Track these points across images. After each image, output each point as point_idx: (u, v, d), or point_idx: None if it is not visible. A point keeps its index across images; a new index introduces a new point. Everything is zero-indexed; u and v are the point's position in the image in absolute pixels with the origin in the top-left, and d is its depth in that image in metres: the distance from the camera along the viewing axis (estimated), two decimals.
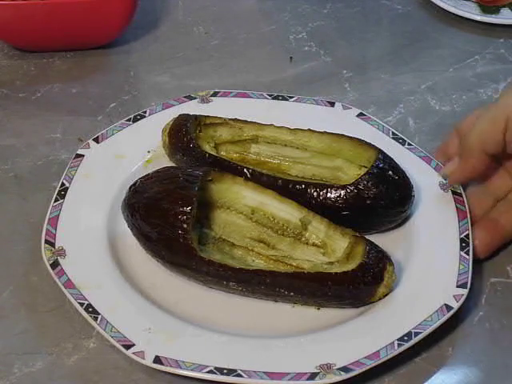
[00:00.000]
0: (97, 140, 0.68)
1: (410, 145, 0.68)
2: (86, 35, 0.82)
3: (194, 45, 0.86)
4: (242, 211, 0.60)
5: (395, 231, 0.62)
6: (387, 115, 0.76)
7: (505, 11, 0.89)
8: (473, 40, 0.87)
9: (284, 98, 0.72)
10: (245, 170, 0.61)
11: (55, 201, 0.62)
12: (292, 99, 0.72)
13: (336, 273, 0.54)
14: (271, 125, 0.66)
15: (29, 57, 0.83)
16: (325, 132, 0.64)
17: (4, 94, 0.79)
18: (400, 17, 0.91)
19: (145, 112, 0.70)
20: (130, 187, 0.59)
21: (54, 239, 0.59)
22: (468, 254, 0.58)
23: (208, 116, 0.66)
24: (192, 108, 0.70)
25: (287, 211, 0.59)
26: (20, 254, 0.62)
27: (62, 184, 0.64)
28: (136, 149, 0.68)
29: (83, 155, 0.66)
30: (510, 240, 0.62)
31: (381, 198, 0.59)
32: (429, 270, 0.58)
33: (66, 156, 0.71)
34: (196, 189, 0.56)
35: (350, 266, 0.55)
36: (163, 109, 0.71)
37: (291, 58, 0.84)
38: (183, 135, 0.64)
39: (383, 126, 0.69)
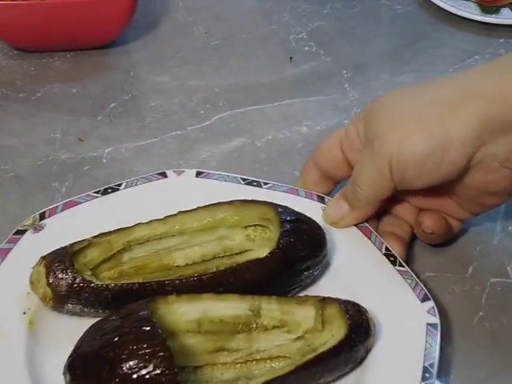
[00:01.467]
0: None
1: (266, 183, 0.63)
2: (85, 35, 0.82)
3: (194, 45, 0.86)
4: (188, 329, 0.52)
5: (326, 280, 0.58)
6: None
7: (505, 11, 0.89)
8: (473, 40, 0.87)
9: (114, 190, 0.62)
10: (153, 283, 0.53)
11: None
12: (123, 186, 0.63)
13: (329, 349, 0.50)
14: (138, 223, 0.57)
15: (29, 57, 0.83)
16: (197, 208, 0.58)
17: (4, 94, 0.79)
18: (400, 17, 0.91)
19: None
20: (69, 367, 0.48)
21: None
22: (402, 266, 0.57)
23: (70, 245, 0.55)
24: (27, 244, 0.58)
25: (232, 306, 0.52)
26: None
27: None
28: (12, 318, 0.54)
29: None
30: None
31: (302, 250, 0.55)
32: (385, 305, 0.55)
33: (66, 156, 0.71)
34: (158, 326, 0.48)
35: (339, 334, 0.51)
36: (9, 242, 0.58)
37: (291, 58, 0.84)
38: (68, 276, 0.53)
39: (228, 177, 0.63)
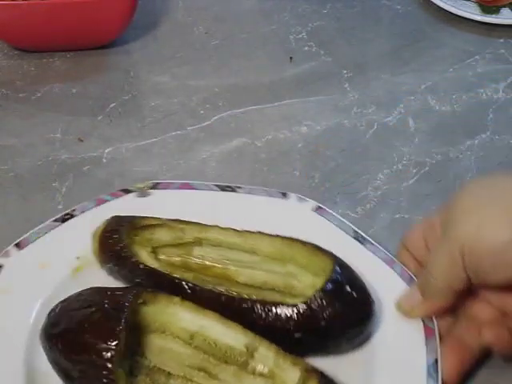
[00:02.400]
0: (18, 245, 0.59)
1: (372, 243, 0.59)
2: (85, 35, 0.82)
3: (194, 45, 0.86)
4: (179, 335, 0.52)
5: (353, 352, 0.54)
6: (387, 115, 0.76)
7: (505, 11, 0.89)
8: (473, 40, 0.87)
9: (233, 190, 0.63)
10: (183, 283, 0.53)
11: None
12: (242, 190, 0.63)
13: None
14: (216, 226, 0.58)
15: (29, 57, 0.83)
16: (277, 236, 0.57)
17: (4, 94, 0.79)
18: (400, 17, 0.91)
19: (74, 210, 0.61)
20: (50, 313, 0.51)
21: None
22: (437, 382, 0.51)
23: (144, 217, 0.59)
24: (128, 204, 0.62)
25: (231, 336, 0.51)
26: None
27: None
28: (63, 255, 0.58)
29: (1, 265, 0.57)
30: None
31: (337, 319, 0.51)
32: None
33: (66, 156, 0.71)
34: (124, 321, 0.48)
35: None
36: (96, 205, 0.62)
37: (291, 58, 0.84)
38: (115, 242, 0.56)
39: (342, 222, 0.60)
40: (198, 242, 0.58)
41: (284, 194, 0.63)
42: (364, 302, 0.53)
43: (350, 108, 0.77)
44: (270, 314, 0.51)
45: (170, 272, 0.55)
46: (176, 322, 0.52)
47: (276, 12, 0.91)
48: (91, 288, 0.53)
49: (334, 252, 0.55)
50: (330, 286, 0.51)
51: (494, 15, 0.88)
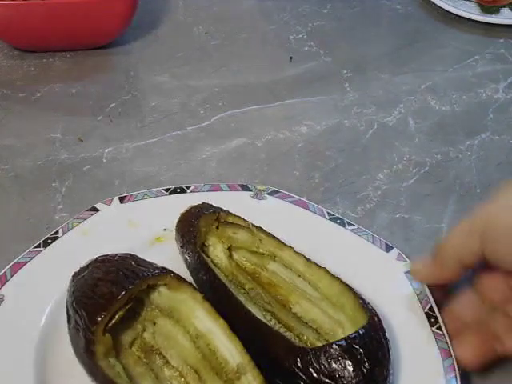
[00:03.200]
0: (122, 200, 0.63)
1: (188, 187, 0.63)
2: (86, 35, 0.82)
3: (194, 45, 0.86)
4: (189, 331, 0.52)
5: None
6: (387, 115, 0.76)
7: (505, 11, 0.89)
8: (473, 40, 0.87)
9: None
10: (236, 295, 0.53)
11: (36, 246, 0.58)
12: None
13: None
14: (291, 248, 0.58)
15: (29, 57, 0.83)
16: (337, 278, 0.55)
17: (4, 94, 0.79)
18: (400, 17, 0.91)
19: (188, 187, 0.64)
20: (91, 260, 0.54)
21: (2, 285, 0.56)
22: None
23: (232, 214, 0.59)
24: (239, 200, 0.63)
25: (230, 350, 0.51)
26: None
27: (56, 232, 0.59)
28: (154, 223, 0.61)
29: (98, 210, 0.62)
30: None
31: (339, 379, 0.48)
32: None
33: (66, 156, 0.71)
34: (125, 292, 0.50)
35: None
36: (210, 189, 0.64)
37: (291, 57, 0.84)
38: (190, 227, 0.57)
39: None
40: (272, 257, 0.58)
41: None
42: (374, 378, 0.49)
43: (350, 108, 0.77)
44: (274, 350, 0.50)
45: (231, 273, 0.57)
46: (190, 317, 0.52)
47: (276, 12, 0.91)
48: (131, 254, 0.54)
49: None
50: (344, 342, 0.49)
51: (493, 15, 0.88)
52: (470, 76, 0.82)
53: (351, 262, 0.58)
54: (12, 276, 0.57)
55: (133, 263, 0.52)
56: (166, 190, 0.64)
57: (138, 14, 0.82)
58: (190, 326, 0.52)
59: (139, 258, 0.54)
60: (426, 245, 0.62)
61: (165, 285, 0.52)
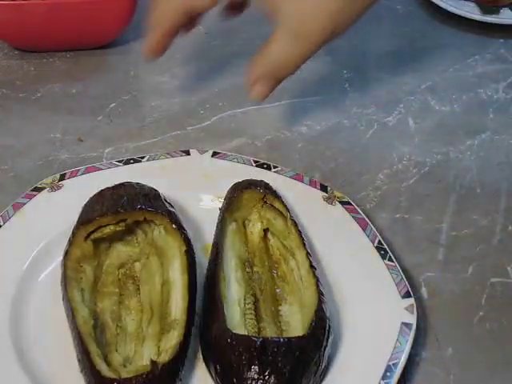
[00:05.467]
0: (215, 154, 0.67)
1: (276, 167, 0.66)
2: (86, 35, 0.82)
3: (194, 45, 0.86)
4: (164, 275, 0.55)
5: None
6: (387, 115, 0.76)
7: (505, 11, 0.89)
8: (473, 40, 0.87)
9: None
10: (227, 267, 0.56)
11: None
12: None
13: None
14: (306, 250, 0.57)
15: (29, 57, 0.83)
16: (319, 291, 0.54)
17: (4, 93, 0.79)
18: (400, 17, 0.91)
19: (276, 166, 0.66)
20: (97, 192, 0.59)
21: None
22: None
23: (277, 199, 0.60)
24: (308, 196, 0.63)
25: (176, 304, 0.53)
26: None
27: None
28: (226, 184, 0.62)
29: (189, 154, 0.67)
30: None
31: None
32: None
33: (66, 156, 0.71)
34: (113, 212, 0.56)
35: None
36: (291, 176, 0.65)
37: None
38: (234, 193, 0.60)
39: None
40: (292, 254, 0.58)
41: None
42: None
43: (350, 108, 0.77)
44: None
45: (253, 252, 0.59)
46: (169, 264, 0.55)
47: None
48: (155, 189, 0.59)
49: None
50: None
51: (493, 15, 0.88)
52: (470, 76, 0.82)
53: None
54: None
55: (146, 197, 0.57)
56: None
57: (137, 14, 0.82)
58: (166, 271, 0.55)
59: (158, 196, 0.58)
60: (426, 245, 0.62)
61: (162, 225, 0.56)
